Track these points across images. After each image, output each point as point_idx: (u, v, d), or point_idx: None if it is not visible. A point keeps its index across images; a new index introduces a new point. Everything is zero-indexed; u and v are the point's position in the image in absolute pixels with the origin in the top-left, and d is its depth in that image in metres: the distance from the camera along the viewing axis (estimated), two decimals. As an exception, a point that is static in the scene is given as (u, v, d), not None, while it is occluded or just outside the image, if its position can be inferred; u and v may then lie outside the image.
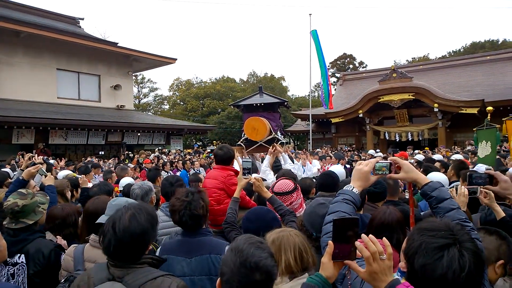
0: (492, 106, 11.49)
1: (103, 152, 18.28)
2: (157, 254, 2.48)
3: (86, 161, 11.85)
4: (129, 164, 10.86)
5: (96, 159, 14.05)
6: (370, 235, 1.38)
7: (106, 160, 14.62)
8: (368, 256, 1.33)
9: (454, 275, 1.23)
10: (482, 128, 7.71)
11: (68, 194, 4.30)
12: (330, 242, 1.41)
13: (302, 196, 3.34)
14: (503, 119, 7.25)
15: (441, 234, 1.32)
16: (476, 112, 19.14)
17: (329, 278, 1.39)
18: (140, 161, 13.56)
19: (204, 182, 3.97)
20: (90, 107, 20.57)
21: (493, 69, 25.33)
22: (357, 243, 1.37)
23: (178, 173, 10.43)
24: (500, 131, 7.50)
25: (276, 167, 5.78)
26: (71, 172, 6.48)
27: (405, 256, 1.38)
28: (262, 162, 6.54)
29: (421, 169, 5.02)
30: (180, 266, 2.34)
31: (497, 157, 7.57)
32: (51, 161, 8.82)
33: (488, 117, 8.33)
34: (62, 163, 9.03)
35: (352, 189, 1.90)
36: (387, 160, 1.97)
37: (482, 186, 2.49)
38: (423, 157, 9.85)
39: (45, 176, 3.91)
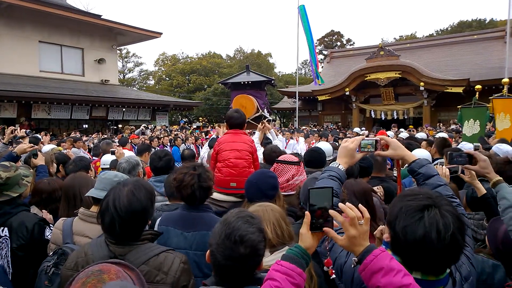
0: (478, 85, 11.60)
1: (86, 126, 18.00)
2: (156, 224, 2.49)
3: (70, 136, 11.67)
4: (114, 140, 10.72)
5: (79, 133, 13.85)
6: (347, 203, 1.40)
7: (90, 135, 14.43)
8: (343, 221, 1.35)
9: (438, 236, 1.23)
10: (469, 106, 7.75)
11: (53, 168, 4.24)
12: (307, 212, 1.42)
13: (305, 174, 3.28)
14: (489, 98, 7.31)
15: (420, 197, 1.34)
16: (462, 91, 19.33)
17: (308, 248, 1.39)
18: (126, 137, 13.36)
19: (230, 144, 3.77)
20: (74, 81, 20.12)
21: (480, 48, 25.39)
22: (332, 211, 1.39)
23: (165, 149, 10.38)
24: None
25: (266, 143, 5.81)
26: (56, 147, 6.37)
27: (388, 224, 1.39)
28: None
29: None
30: (177, 239, 2.35)
31: (482, 136, 7.69)
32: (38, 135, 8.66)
33: (477, 95, 8.39)
34: (47, 138, 8.87)
35: (338, 166, 1.91)
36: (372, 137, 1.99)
37: (462, 165, 2.53)
38: (407, 135, 9.97)
39: (36, 157, 3.88)
